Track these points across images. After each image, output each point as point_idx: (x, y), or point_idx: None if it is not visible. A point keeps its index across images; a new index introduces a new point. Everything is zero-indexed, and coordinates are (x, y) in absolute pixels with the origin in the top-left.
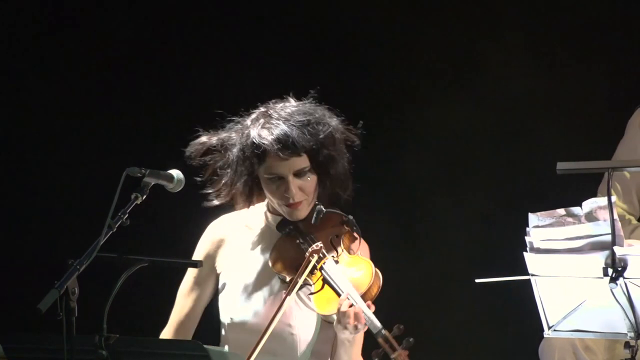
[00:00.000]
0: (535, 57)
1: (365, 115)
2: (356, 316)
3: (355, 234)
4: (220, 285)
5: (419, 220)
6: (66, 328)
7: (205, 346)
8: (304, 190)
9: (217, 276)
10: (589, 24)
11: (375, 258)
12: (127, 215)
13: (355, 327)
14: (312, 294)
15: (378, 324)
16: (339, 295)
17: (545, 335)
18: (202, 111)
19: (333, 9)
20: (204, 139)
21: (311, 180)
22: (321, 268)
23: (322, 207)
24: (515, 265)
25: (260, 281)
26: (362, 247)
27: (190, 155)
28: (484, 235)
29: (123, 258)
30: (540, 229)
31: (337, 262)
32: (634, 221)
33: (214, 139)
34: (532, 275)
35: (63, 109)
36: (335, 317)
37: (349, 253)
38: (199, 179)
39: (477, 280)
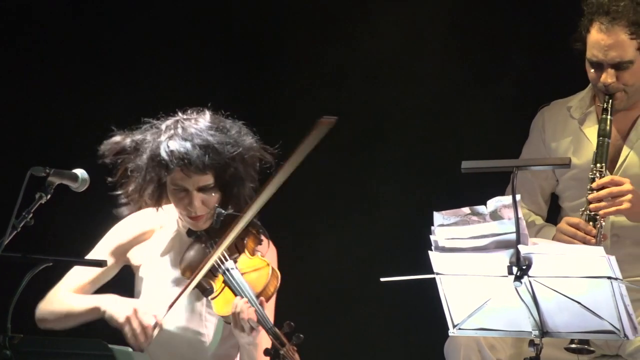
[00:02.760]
0: (449, 60)
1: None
2: (248, 314)
3: (262, 236)
4: (138, 279)
5: (321, 218)
6: None
7: (110, 346)
8: (207, 205)
9: (127, 266)
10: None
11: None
12: (31, 215)
13: (250, 327)
14: (212, 298)
15: (269, 321)
16: (236, 296)
17: (450, 334)
18: (111, 110)
19: None
20: (118, 138)
21: (215, 196)
22: (222, 271)
23: (221, 210)
24: (421, 264)
25: (173, 286)
26: (270, 250)
27: (104, 154)
28: (388, 234)
29: (27, 258)
30: (445, 227)
31: (236, 263)
32: (539, 222)
33: (127, 140)
34: (437, 274)
35: None
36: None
37: (252, 255)
38: (109, 179)
39: (382, 279)
